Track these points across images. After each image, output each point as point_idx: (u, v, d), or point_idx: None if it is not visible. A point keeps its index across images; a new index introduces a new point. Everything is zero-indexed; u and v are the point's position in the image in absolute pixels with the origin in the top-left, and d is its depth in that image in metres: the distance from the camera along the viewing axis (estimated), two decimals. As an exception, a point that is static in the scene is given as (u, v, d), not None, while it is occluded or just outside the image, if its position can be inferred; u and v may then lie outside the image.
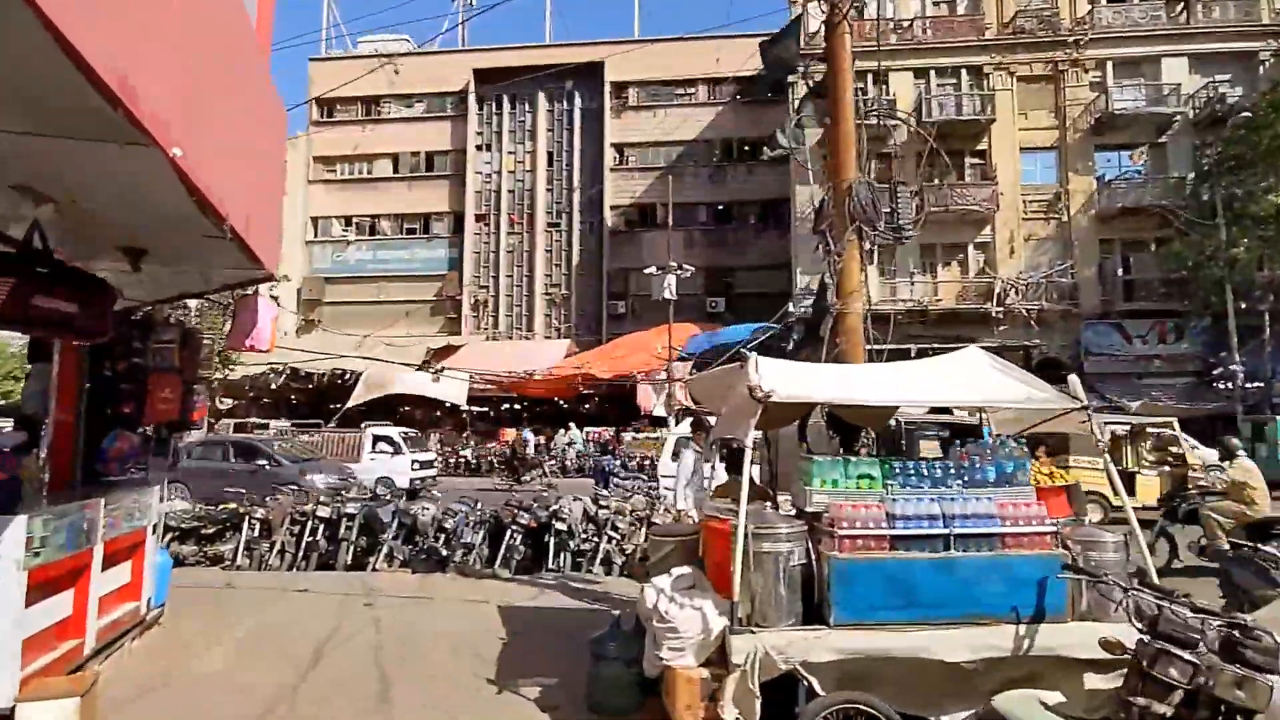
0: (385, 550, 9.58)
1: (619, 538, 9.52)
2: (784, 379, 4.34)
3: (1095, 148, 28.52)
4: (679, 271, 25.68)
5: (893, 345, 25.09)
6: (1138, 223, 27.54)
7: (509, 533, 9.56)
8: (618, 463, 11.81)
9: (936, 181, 28.65)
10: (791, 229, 30.81)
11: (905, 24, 29.68)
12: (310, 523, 9.70)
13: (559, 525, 9.54)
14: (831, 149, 7.62)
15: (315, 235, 38.29)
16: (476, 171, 37.41)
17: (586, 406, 34.60)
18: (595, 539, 9.73)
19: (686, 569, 4.61)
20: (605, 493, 11.08)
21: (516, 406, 35.57)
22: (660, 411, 25.78)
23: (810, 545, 4.18)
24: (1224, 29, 28.23)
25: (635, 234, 35.87)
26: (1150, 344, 27.00)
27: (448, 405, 32.14)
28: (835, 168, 7.57)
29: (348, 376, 30.63)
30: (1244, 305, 24.90)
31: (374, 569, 9.39)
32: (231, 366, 27.85)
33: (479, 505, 10.22)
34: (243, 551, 9.61)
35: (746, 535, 3.98)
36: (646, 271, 26.62)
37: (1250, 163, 24.71)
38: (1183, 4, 28.83)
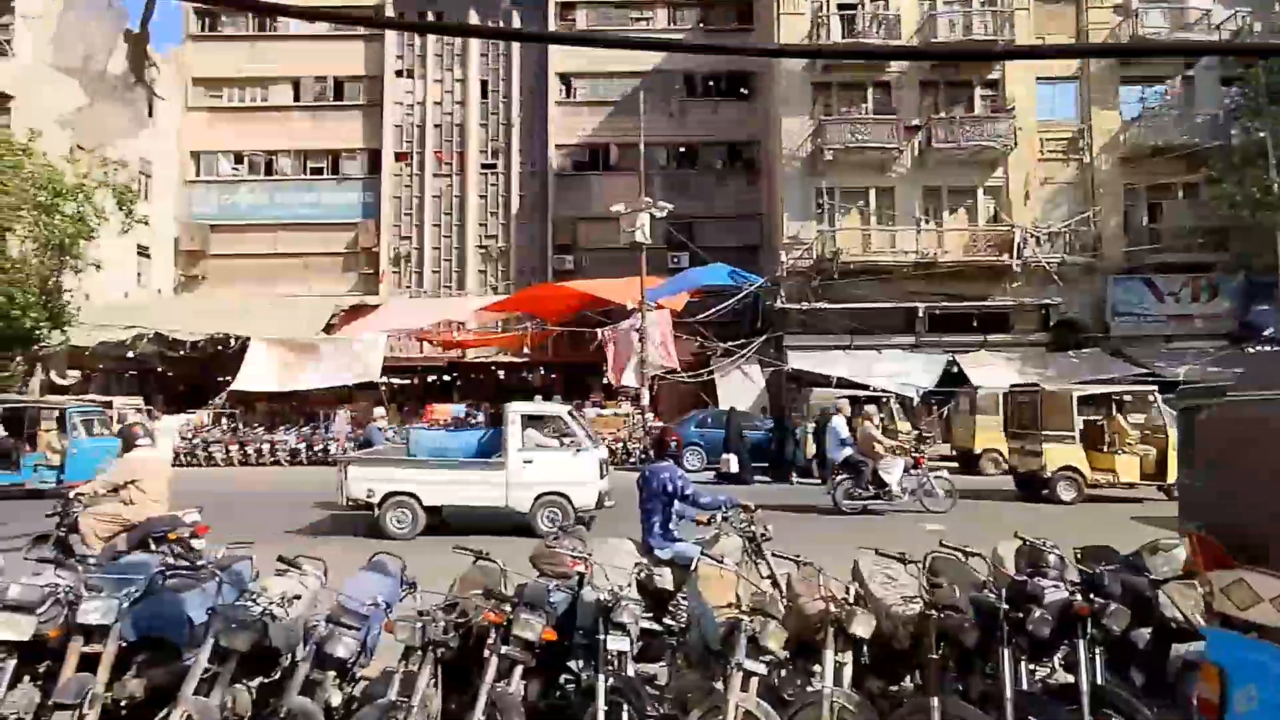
0: (181, 720, 3.62)
1: (767, 665, 3.82)
2: None
3: (1120, 80, 24.12)
4: (654, 210, 19.92)
5: (894, 304, 19.60)
6: (1166, 166, 23.25)
7: (492, 659, 3.79)
8: (680, 475, 5.85)
9: (943, 114, 23.73)
10: (776, 170, 25.38)
11: (907, -71, 24.43)
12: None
13: (615, 640, 3.84)
14: None
15: (197, 174, 30.58)
16: (396, 102, 30.45)
17: (527, 375, 28.68)
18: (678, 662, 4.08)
19: None
20: (671, 543, 5.40)
21: (446, 378, 29.26)
22: (631, 380, 20.13)
23: None
24: (1256, -51, 24.13)
25: (584, 177, 29.79)
26: (1183, 302, 22.92)
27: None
28: None
29: (233, 344, 23.69)
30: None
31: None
32: (66, 329, 20.56)
33: (414, 586, 4.39)
34: None
35: None
36: (615, 209, 20.68)
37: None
38: (1212, -79, 24.58)
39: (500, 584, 4.48)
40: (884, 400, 17.10)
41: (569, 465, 10.70)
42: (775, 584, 5.28)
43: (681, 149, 30.07)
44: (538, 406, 12.86)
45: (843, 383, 20.48)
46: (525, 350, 23.50)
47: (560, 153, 29.81)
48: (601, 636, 3.86)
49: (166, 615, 4.21)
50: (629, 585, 4.42)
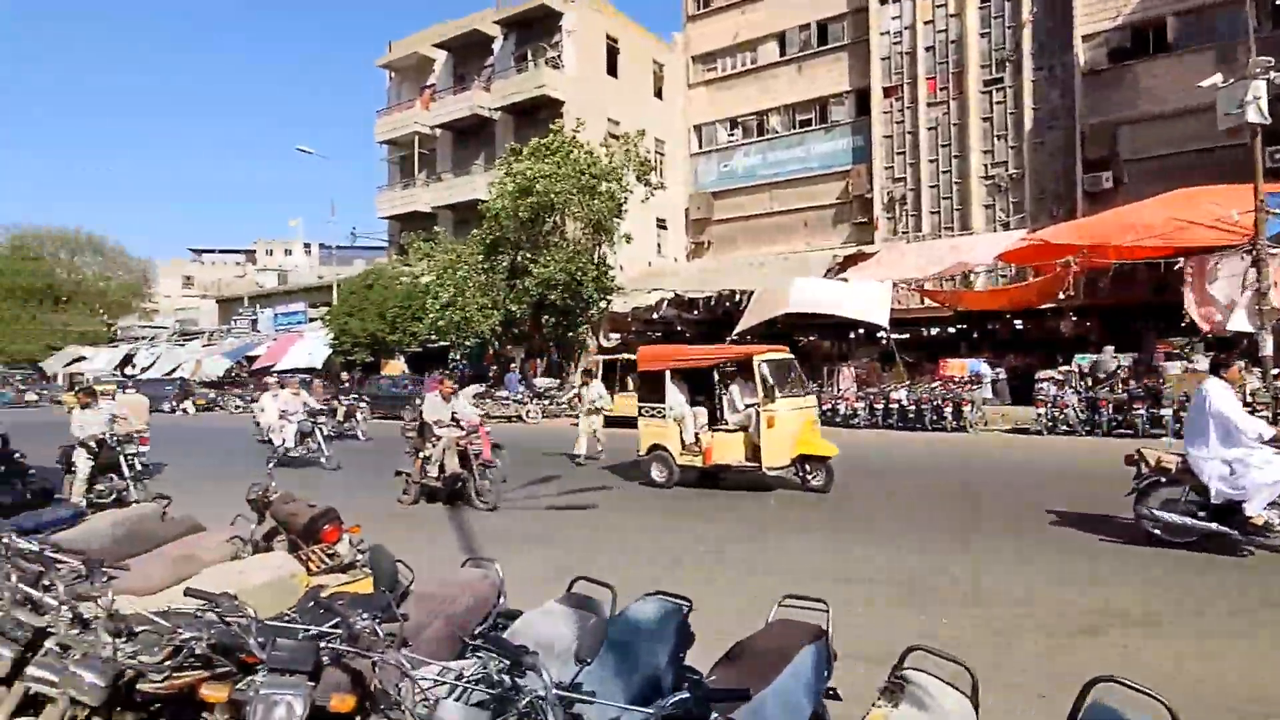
0: None
1: None
2: None
3: None
4: (1275, 73, 13.63)
5: None
6: None
7: None
8: None
9: None
10: None
11: None
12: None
13: None
14: None
15: (700, 146, 32.20)
16: (882, 32, 27.63)
17: (1057, 324, 23.66)
18: None
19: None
20: None
21: (951, 330, 25.93)
22: (1242, 323, 14.41)
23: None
24: None
25: (1125, 69, 23.12)
26: None
27: (862, 331, 23.98)
28: None
29: (739, 298, 24.06)
30: None
31: None
32: (610, 297, 23.11)
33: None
34: None
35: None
36: (1206, 84, 14.81)
37: None
38: None
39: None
40: None
41: None
42: None
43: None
44: None
45: None
46: (1061, 295, 18.89)
47: (1089, 45, 23.61)
48: None
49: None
50: None
